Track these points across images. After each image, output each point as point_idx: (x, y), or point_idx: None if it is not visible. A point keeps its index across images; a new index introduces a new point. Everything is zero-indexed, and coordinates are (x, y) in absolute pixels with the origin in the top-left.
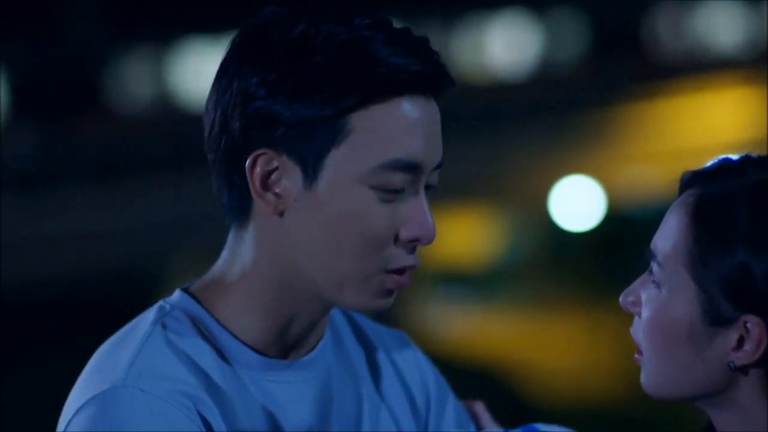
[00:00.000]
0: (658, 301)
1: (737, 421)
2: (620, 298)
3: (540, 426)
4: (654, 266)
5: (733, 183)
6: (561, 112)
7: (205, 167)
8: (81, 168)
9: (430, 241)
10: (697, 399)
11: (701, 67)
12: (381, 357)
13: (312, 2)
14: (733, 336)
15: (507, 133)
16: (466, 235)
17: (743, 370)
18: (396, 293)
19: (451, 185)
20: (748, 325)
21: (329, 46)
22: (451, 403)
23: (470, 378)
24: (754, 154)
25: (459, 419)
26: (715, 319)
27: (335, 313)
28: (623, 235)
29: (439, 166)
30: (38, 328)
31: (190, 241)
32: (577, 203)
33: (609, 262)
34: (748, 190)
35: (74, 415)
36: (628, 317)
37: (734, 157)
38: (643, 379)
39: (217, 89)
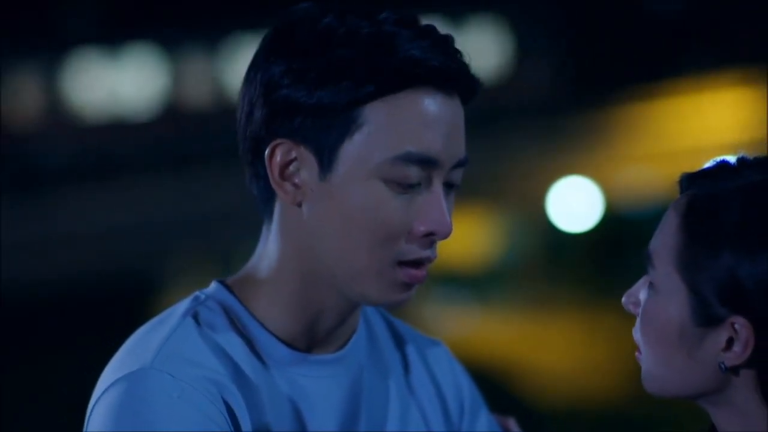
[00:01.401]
0: (651, 302)
1: (736, 419)
2: (623, 299)
3: None
4: (649, 268)
5: (726, 184)
6: (559, 113)
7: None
8: (81, 168)
9: (445, 236)
10: (694, 398)
11: (700, 68)
12: (415, 359)
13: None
14: (722, 337)
15: (505, 135)
16: (464, 236)
17: (734, 370)
18: (415, 287)
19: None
20: (736, 326)
21: (352, 39)
22: (484, 415)
23: None
24: (752, 155)
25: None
26: (705, 320)
27: (372, 314)
28: (621, 236)
29: (460, 164)
30: (38, 328)
31: (189, 242)
32: (574, 204)
33: (607, 263)
34: (740, 192)
35: (103, 393)
36: (626, 318)
37: (731, 158)
38: (643, 378)
39: (246, 82)
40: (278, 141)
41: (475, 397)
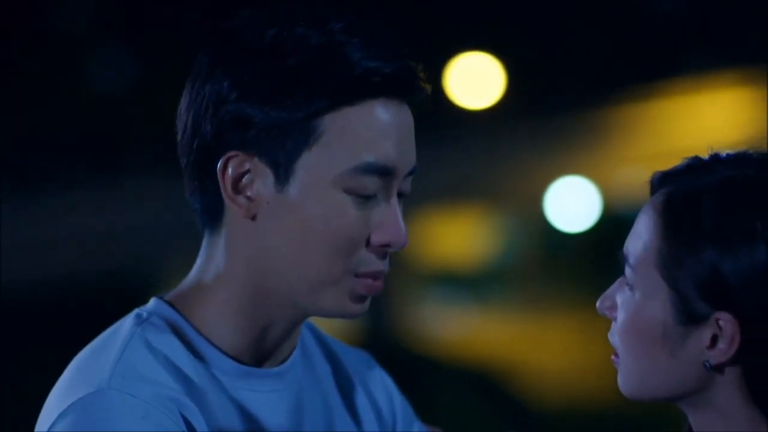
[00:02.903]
0: (631, 303)
1: (715, 420)
2: (597, 304)
3: None
4: (627, 269)
5: (700, 181)
6: (556, 112)
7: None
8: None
9: (401, 246)
10: (674, 400)
11: (698, 68)
12: (348, 374)
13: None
14: (706, 334)
15: (502, 135)
16: (460, 237)
17: (719, 369)
18: (368, 300)
19: (445, 187)
20: (721, 322)
21: (302, 49)
22: (417, 427)
23: (465, 379)
24: (725, 151)
25: None
26: (688, 319)
27: (304, 331)
28: (619, 236)
29: (411, 173)
30: (38, 328)
31: (188, 242)
32: (572, 204)
33: (605, 263)
34: (715, 187)
35: (56, 421)
36: None
37: (704, 156)
38: (620, 381)
39: (190, 93)
40: (231, 153)
41: (406, 409)
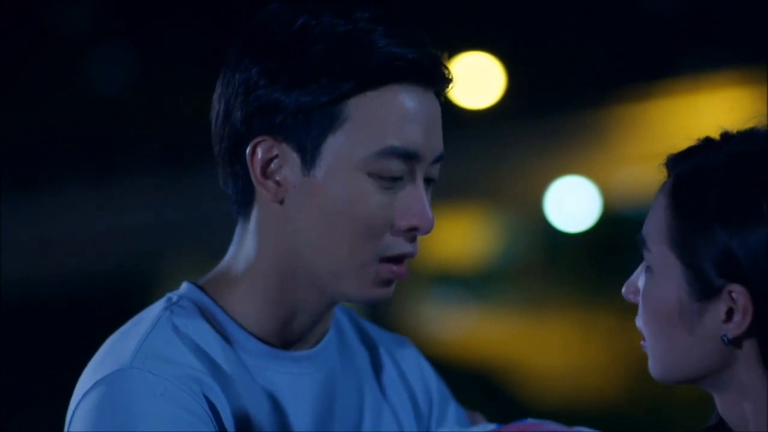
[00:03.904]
0: (649, 284)
1: (739, 400)
2: (622, 289)
3: (531, 420)
4: (644, 252)
5: (708, 158)
6: (556, 112)
7: (204, 169)
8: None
9: (427, 230)
10: (699, 380)
11: (698, 67)
12: (384, 358)
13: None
14: (721, 308)
15: (502, 135)
16: (460, 236)
17: (737, 343)
18: (394, 283)
19: (445, 186)
20: (734, 294)
21: (328, 36)
22: (453, 408)
23: (465, 378)
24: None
25: (460, 424)
26: (703, 294)
27: (340, 315)
28: (619, 236)
29: (438, 159)
30: (38, 328)
31: (188, 242)
32: (572, 204)
33: (604, 263)
34: (721, 163)
35: (83, 397)
36: (624, 318)
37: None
38: (650, 365)
39: (221, 83)
40: (259, 139)
41: (443, 391)
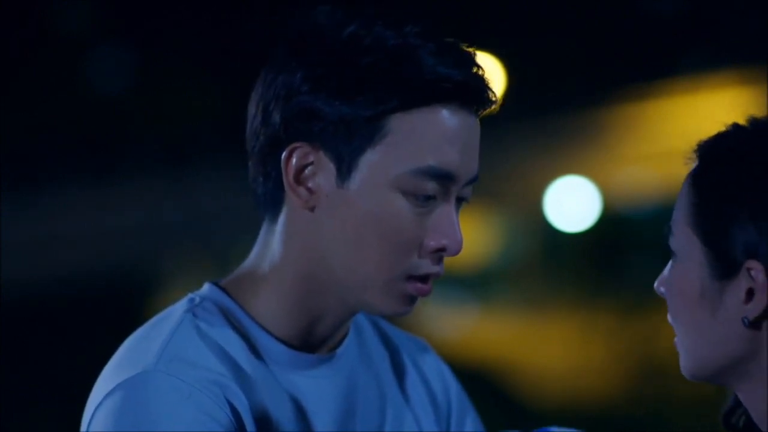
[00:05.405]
0: (674, 269)
1: (762, 388)
2: (654, 285)
3: (555, 428)
4: (670, 238)
5: (734, 141)
6: (556, 112)
7: (204, 169)
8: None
9: (455, 252)
10: (728, 372)
11: (697, 67)
12: (405, 361)
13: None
14: (742, 287)
15: (502, 135)
16: None
17: (758, 325)
18: (417, 300)
19: None
20: (753, 272)
21: (376, 49)
22: (472, 414)
23: (465, 378)
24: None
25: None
26: (722, 272)
27: (359, 316)
28: (619, 236)
29: (472, 181)
30: (38, 328)
31: (188, 242)
32: (572, 204)
33: (604, 263)
34: (746, 145)
35: (103, 399)
36: (624, 318)
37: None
38: (681, 363)
39: (263, 81)
40: (296, 144)
41: (462, 399)
